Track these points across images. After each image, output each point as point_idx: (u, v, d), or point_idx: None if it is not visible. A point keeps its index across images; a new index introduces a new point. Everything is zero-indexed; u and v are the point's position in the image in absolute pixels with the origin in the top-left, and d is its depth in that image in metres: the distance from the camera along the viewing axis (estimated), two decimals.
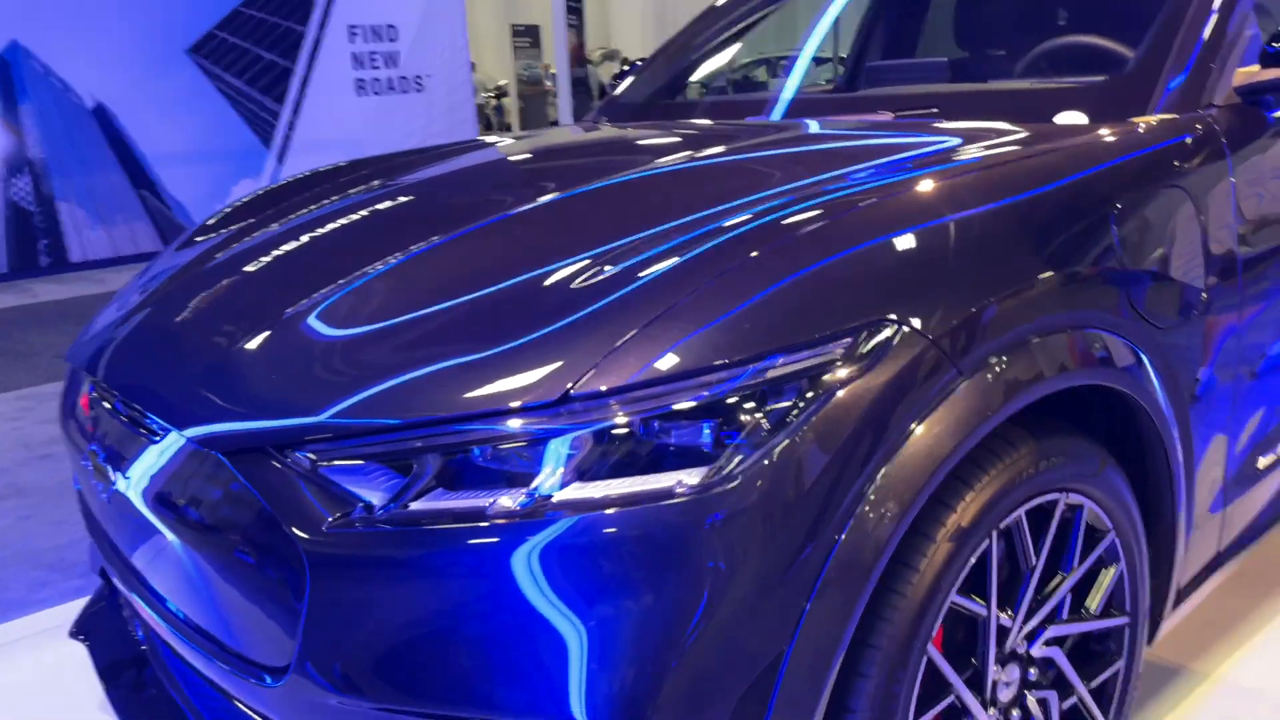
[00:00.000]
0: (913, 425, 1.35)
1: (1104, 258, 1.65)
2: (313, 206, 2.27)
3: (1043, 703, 1.71)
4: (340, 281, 1.71)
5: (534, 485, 1.29)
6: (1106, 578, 1.76)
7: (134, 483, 1.63)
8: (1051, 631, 1.69)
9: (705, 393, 1.29)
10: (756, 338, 1.33)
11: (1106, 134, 1.87)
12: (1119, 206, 1.70)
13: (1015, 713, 1.67)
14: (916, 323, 1.38)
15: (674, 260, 1.46)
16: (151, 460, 1.61)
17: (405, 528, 1.32)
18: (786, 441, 1.28)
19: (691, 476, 1.27)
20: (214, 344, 1.65)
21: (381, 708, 1.34)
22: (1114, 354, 1.64)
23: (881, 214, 1.55)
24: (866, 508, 1.31)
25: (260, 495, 1.40)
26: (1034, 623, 1.65)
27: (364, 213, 2.16)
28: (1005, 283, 1.50)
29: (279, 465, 1.41)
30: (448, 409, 1.34)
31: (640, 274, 1.45)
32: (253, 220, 2.30)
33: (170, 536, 1.55)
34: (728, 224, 1.55)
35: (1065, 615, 1.71)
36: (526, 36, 18.47)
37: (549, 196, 1.97)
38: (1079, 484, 1.64)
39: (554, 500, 1.28)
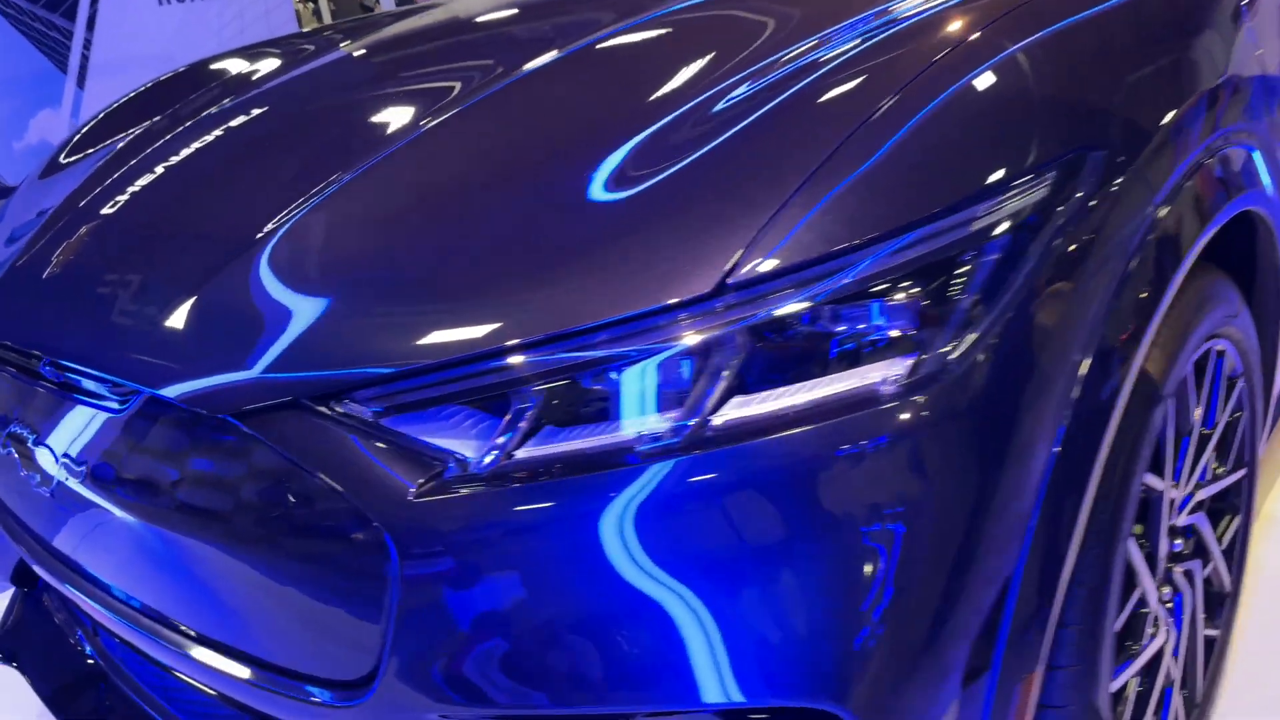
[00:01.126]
0: (1130, 265, 1.10)
1: (1245, 61, 1.42)
2: (236, 97, 1.81)
3: (1188, 574, 1.53)
4: (335, 178, 1.31)
5: (687, 407, 0.98)
6: (1235, 428, 1.58)
7: (89, 470, 1.24)
8: (1198, 496, 1.50)
9: (899, 259, 1.00)
10: (948, 183, 1.04)
11: None
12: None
13: (1165, 590, 1.49)
14: (1114, 148, 1.12)
15: (811, 92, 1.14)
16: (116, 437, 1.21)
17: (522, 483, 0.99)
18: (1009, 309, 1.01)
19: (895, 369, 0.98)
20: (181, 278, 1.23)
21: (506, 714, 1.04)
22: (1259, 172, 1.42)
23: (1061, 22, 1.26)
24: (1097, 372, 1.06)
25: (303, 464, 1.04)
26: (1188, 489, 1.46)
27: (332, 89, 1.74)
28: (1182, 94, 1.25)
29: (324, 422, 1.05)
30: (556, 323, 1.00)
31: (771, 116, 1.12)
32: (147, 128, 1.83)
33: (162, 533, 1.17)
34: (878, 27, 1.23)
35: (1207, 476, 1.53)
36: None
37: (586, 40, 1.57)
38: (1225, 328, 1.43)
39: (716, 423, 0.97)
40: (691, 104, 1.21)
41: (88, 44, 10.12)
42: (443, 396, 1.03)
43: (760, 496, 0.96)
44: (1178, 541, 1.49)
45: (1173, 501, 1.39)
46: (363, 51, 1.99)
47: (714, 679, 0.96)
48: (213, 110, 1.75)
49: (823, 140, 1.05)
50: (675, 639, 0.97)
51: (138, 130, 1.83)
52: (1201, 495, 1.50)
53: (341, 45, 2.05)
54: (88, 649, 1.73)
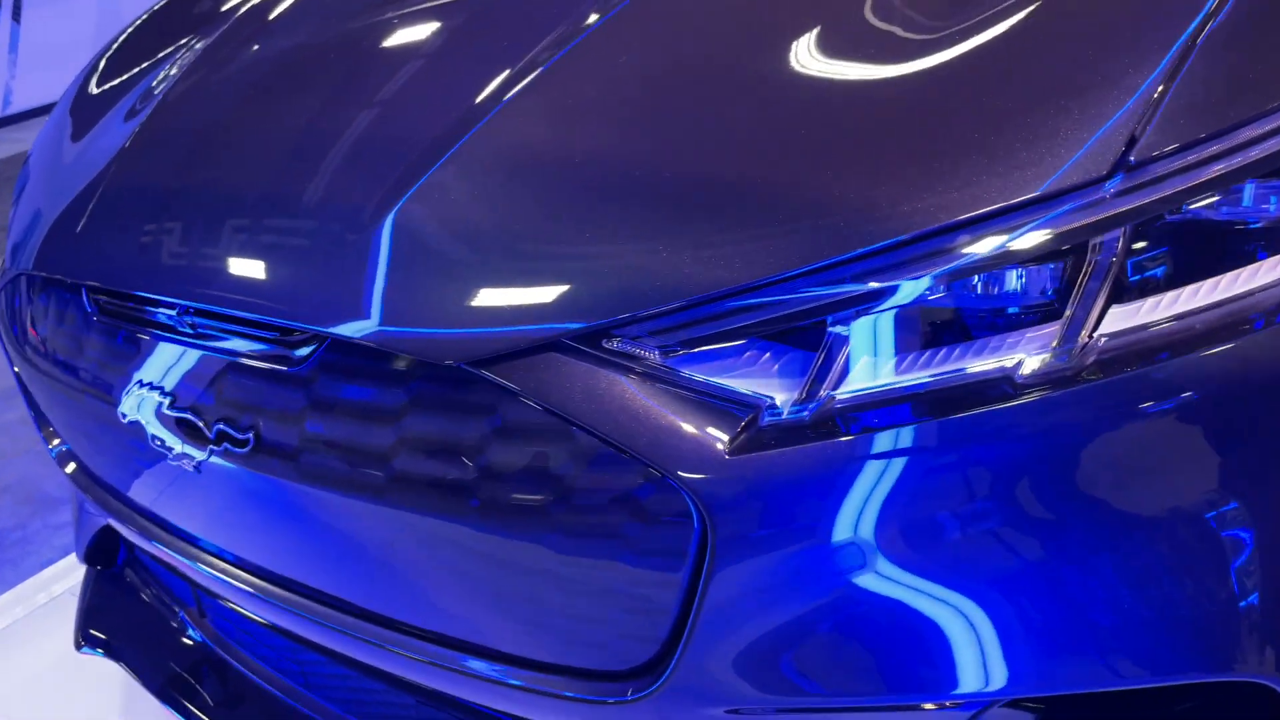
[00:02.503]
0: None
1: None
2: None
3: None
4: (541, 53, 1.06)
5: (1067, 321, 0.79)
6: None
7: (259, 442, 1.02)
8: None
9: None
10: None
11: None
12: None
13: None
14: None
15: None
16: (293, 400, 1.00)
17: (858, 430, 0.81)
18: None
19: None
20: (362, 194, 1.00)
21: (814, 706, 0.87)
22: None
23: None
24: None
25: (574, 419, 0.84)
26: None
27: None
28: None
29: (596, 366, 0.85)
30: (885, 228, 0.81)
31: None
32: (240, 18, 1.53)
33: (365, 513, 0.97)
34: None
35: None
36: None
37: None
38: None
39: (1110, 340, 0.79)
40: None
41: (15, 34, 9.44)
42: (737, 329, 0.83)
43: (1174, 433, 0.79)
44: None
45: None
46: None
47: (1134, 655, 0.80)
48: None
49: None
50: (1067, 617, 0.80)
51: (219, 26, 1.55)
52: None
53: None
54: (194, 633, 1.54)
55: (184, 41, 1.51)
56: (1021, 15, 0.90)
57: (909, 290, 0.80)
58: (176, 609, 1.57)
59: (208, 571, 1.21)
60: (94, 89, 1.55)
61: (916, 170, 0.81)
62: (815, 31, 0.98)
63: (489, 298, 0.88)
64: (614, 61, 1.05)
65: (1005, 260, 0.79)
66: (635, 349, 0.84)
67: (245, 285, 1.01)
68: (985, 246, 0.79)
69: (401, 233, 0.94)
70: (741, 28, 1.05)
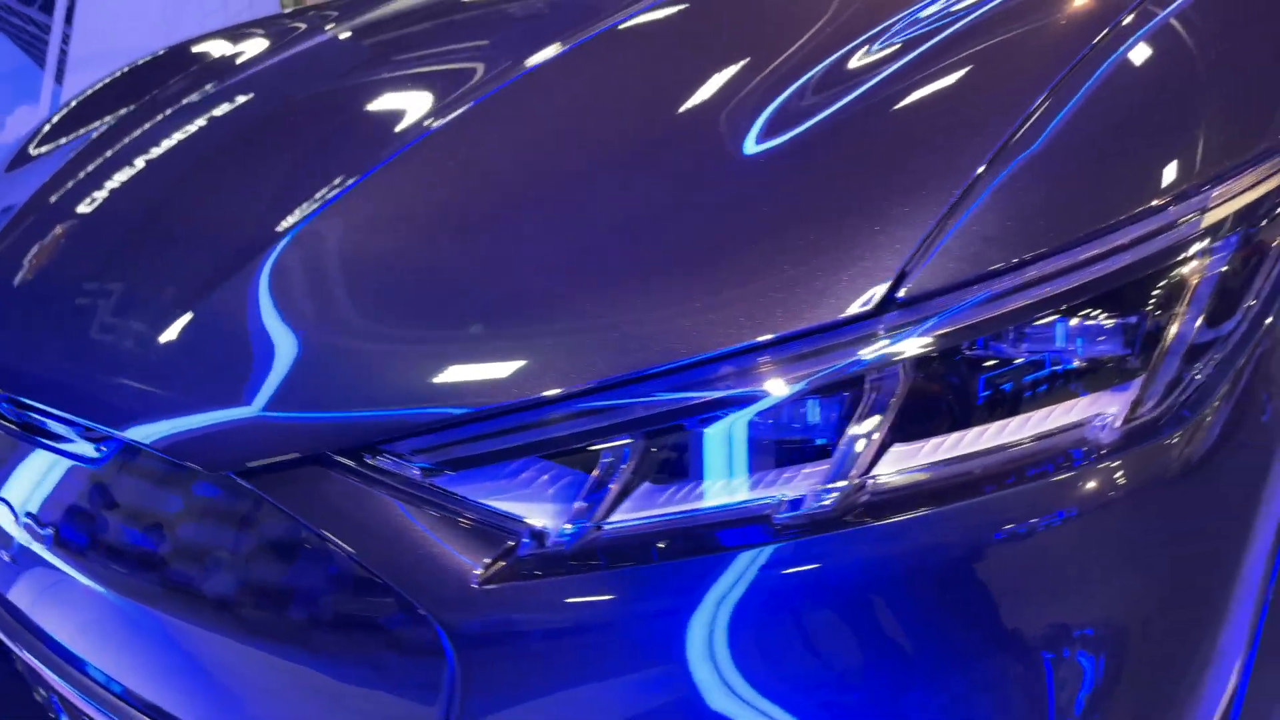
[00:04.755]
0: None
1: None
2: (220, 82, 1.56)
3: None
4: (356, 169, 1.06)
5: (836, 461, 0.75)
6: None
7: (56, 533, 1.00)
8: None
9: (1107, 266, 0.77)
10: (1163, 167, 0.81)
11: None
12: None
13: None
14: None
15: (963, 59, 0.91)
16: (90, 494, 0.97)
17: (617, 563, 0.76)
18: (1248, 327, 0.78)
19: (1109, 407, 0.76)
20: (167, 295, 0.98)
21: None
22: None
23: None
24: None
25: (329, 536, 0.80)
26: None
27: (329, 72, 1.49)
28: None
29: (356, 482, 0.81)
30: (659, 354, 0.77)
31: (922, 81, 0.89)
32: (123, 117, 1.58)
33: (151, 613, 0.94)
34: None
35: None
36: None
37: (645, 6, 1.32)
38: None
39: (878, 483, 0.74)
40: (810, 76, 0.97)
41: (66, 38, 9.85)
42: (511, 449, 0.79)
43: (933, 584, 0.73)
44: None
45: None
46: (364, 27, 1.75)
47: None
48: (194, 97, 1.50)
49: (990, 126, 0.82)
50: None
51: (113, 119, 1.58)
52: None
53: (336, 24, 1.80)
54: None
55: (78, 134, 1.53)
56: (818, 150, 0.87)
57: (675, 419, 0.76)
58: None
59: (37, 659, 1.17)
60: (3, 171, 1.58)
61: (690, 297, 0.78)
62: (607, 154, 0.96)
63: (249, 404, 0.84)
64: (426, 175, 1.04)
65: (771, 393, 0.75)
66: (398, 467, 0.80)
67: (43, 376, 0.99)
68: (748, 382, 0.75)
69: (184, 335, 0.92)
70: (557, 152, 1.03)
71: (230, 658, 0.90)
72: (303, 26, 1.91)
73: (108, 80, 1.95)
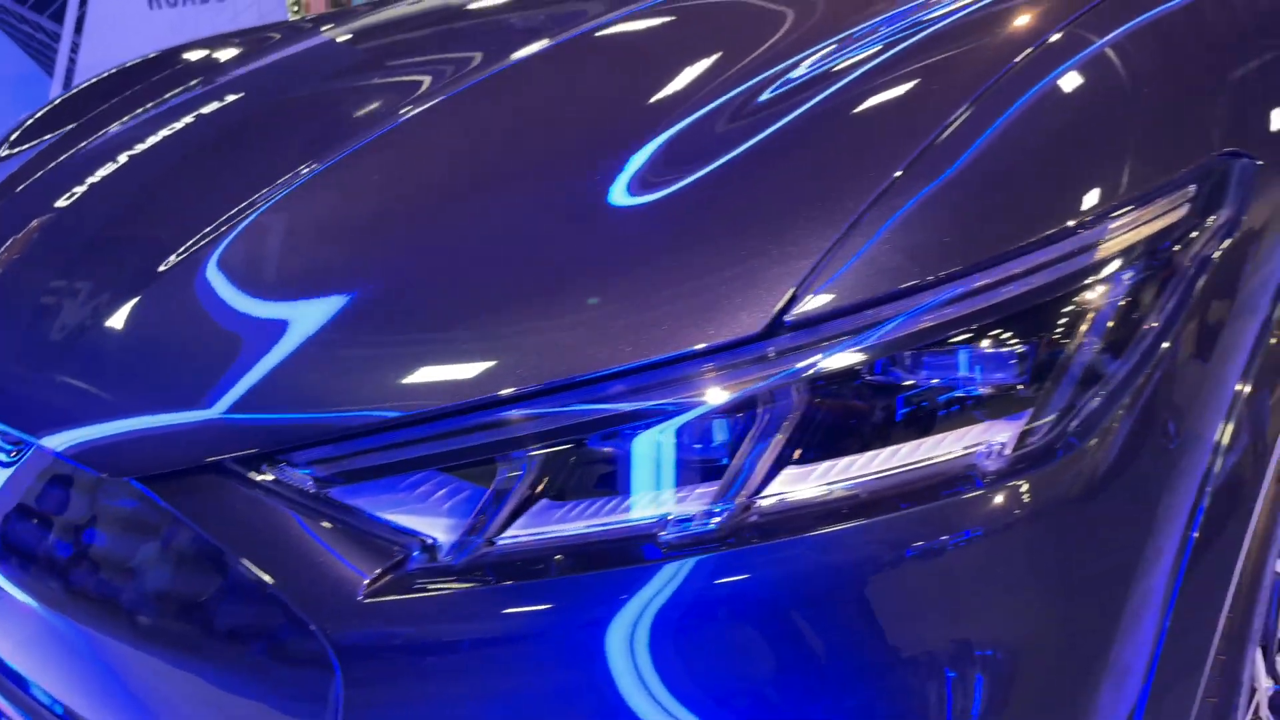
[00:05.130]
0: None
1: None
2: (164, 102, 1.56)
3: None
4: (285, 179, 1.07)
5: (725, 483, 0.75)
6: None
7: None
8: None
9: (999, 295, 0.77)
10: (1057, 201, 0.81)
11: None
12: None
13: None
14: (1268, 153, 0.90)
15: (867, 92, 0.91)
16: (10, 500, 0.97)
17: (505, 580, 0.76)
18: (1138, 359, 0.78)
19: (997, 435, 0.75)
20: (89, 298, 0.99)
21: None
22: None
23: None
24: (1242, 440, 0.84)
25: (226, 546, 0.80)
26: None
27: (291, 80, 1.50)
28: None
29: (253, 492, 0.81)
30: (558, 368, 0.77)
31: (823, 118, 0.89)
32: (89, 119, 1.59)
33: (64, 620, 0.93)
34: (928, 32, 0.99)
35: None
36: None
37: (586, 27, 1.32)
38: None
39: (764, 504, 0.74)
40: (723, 100, 0.98)
41: (75, 47, 9.93)
42: (408, 461, 0.79)
43: (816, 606, 0.73)
44: None
45: None
46: (333, 41, 1.76)
47: None
48: (150, 106, 1.51)
49: (902, 143, 0.82)
50: None
51: (75, 124, 1.59)
52: None
53: (308, 36, 1.82)
54: None
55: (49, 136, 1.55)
56: (729, 174, 0.87)
57: (570, 435, 0.76)
58: None
59: None
60: None
61: (585, 316, 0.78)
62: (516, 174, 0.97)
63: (153, 411, 0.84)
64: (350, 186, 1.05)
65: (663, 413, 0.75)
66: (294, 476, 0.80)
67: None
68: (640, 399, 0.75)
69: (92, 340, 0.92)
70: (480, 163, 1.04)
71: (135, 666, 0.90)
72: (277, 36, 1.93)
73: (88, 83, 1.96)
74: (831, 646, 0.73)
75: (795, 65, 0.99)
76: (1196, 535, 0.82)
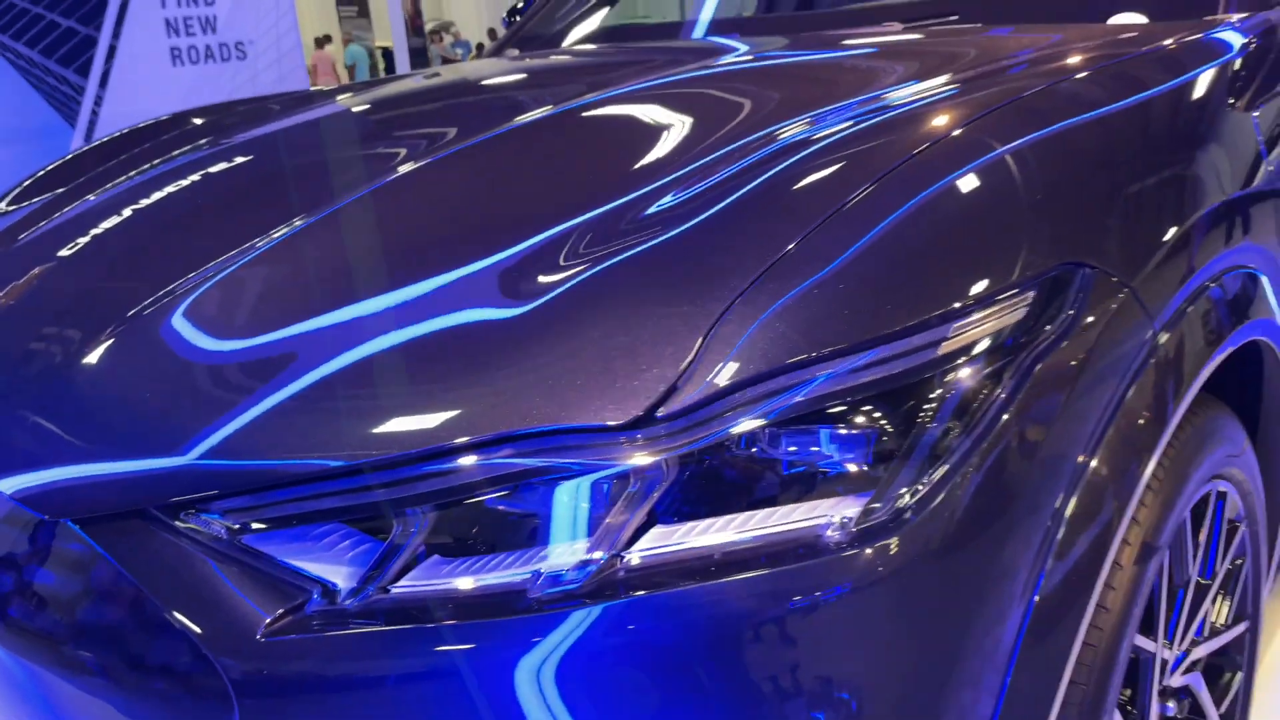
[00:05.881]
0: (1124, 396, 0.97)
1: (1257, 175, 1.30)
2: (152, 167, 1.69)
3: None
4: (229, 258, 1.18)
5: (596, 541, 0.83)
6: (1236, 577, 1.42)
7: None
8: (1193, 654, 1.33)
9: (855, 380, 0.86)
10: (915, 295, 0.90)
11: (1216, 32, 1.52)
12: (1258, 114, 1.35)
13: None
14: (1108, 265, 0.99)
15: (765, 188, 1.02)
16: None
17: (391, 626, 0.84)
18: (982, 443, 0.87)
19: (845, 509, 0.84)
20: (43, 349, 1.09)
21: None
22: (1268, 298, 1.29)
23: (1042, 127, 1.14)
24: (1082, 519, 0.92)
25: (147, 588, 0.89)
26: (1183, 647, 1.30)
27: (242, 165, 1.62)
28: (1184, 212, 1.12)
29: (173, 537, 0.90)
30: (452, 431, 0.86)
31: (704, 223, 1.00)
32: (62, 193, 1.70)
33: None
34: (815, 139, 1.10)
35: (1204, 631, 1.37)
36: (353, 5, 17.39)
37: (504, 127, 1.46)
38: (1227, 468, 1.29)
39: (631, 561, 0.83)
40: (635, 194, 1.09)
41: (99, 100, 10.14)
42: (316, 513, 0.88)
43: (679, 659, 0.81)
44: (1170, 705, 1.32)
45: (1165, 662, 1.23)
46: (321, 114, 1.88)
47: None
48: (138, 172, 1.62)
49: (773, 241, 0.92)
50: None
51: (84, 177, 1.70)
52: (1198, 653, 1.34)
53: (303, 108, 1.94)
54: None
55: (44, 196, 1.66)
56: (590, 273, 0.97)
57: (461, 494, 0.85)
58: None
59: None
60: None
61: (478, 389, 0.87)
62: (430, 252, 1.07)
63: (88, 460, 0.94)
64: (281, 261, 1.17)
65: (539, 474, 0.84)
66: (208, 524, 0.89)
67: None
68: (525, 460, 0.84)
69: (50, 392, 1.02)
70: (401, 245, 1.15)
71: (60, 695, 0.97)
72: (277, 108, 2.06)
73: (103, 141, 2.08)
74: (689, 697, 0.80)
75: (716, 163, 1.10)
76: (1037, 599, 0.90)
